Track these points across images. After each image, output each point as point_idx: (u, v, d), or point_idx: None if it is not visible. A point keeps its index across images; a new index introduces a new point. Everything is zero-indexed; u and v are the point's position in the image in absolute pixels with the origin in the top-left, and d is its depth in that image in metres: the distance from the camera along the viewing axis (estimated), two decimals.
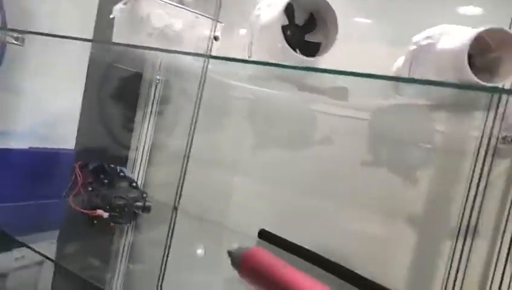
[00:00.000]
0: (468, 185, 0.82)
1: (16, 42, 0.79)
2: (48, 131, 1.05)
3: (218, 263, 1.10)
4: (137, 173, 1.24)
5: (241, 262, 0.68)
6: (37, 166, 1.01)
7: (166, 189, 1.26)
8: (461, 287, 0.81)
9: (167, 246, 0.60)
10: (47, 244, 1.04)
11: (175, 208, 0.61)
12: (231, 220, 1.11)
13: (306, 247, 0.85)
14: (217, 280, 1.06)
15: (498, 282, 0.76)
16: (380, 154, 0.95)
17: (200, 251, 1.08)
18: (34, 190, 0.98)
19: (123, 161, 1.25)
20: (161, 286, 0.67)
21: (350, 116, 0.97)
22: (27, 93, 1.01)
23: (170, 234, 0.61)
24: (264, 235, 0.93)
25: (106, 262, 1.12)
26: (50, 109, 1.06)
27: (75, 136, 1.13)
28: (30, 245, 0.98)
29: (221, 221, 1.12)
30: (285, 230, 0.89)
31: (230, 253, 0.71)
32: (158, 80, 1.21)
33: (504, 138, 0.77)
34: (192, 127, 0.65)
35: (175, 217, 0.62)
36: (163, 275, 0.65)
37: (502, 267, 0.76)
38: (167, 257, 0.61)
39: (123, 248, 1.15)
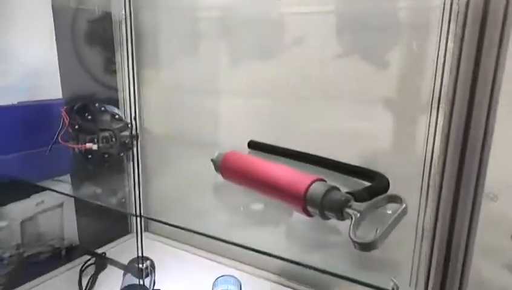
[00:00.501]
0: (437, 53, 0.82)
1: None
2: (31, 84, 1.10)
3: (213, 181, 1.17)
4: (129, 111, 1.28)
5: (221, 164, 0.74)
6: (30, 119, 1.07)
7: (162, 122, 1.32)
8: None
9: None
10: (61, 186, 1.14)
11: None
12: (223, 139, 1.16)
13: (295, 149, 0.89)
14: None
15: None
16: (350, 44, 0.94)
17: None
18: (33, 140, 1.04)
19: (114, 103, 1.30)
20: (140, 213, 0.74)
21: (316, 12, 0.96)
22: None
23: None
24: (253, 145, 0.97)
25: (118, 187, 1.21)
26: (28, 63, 1.09)
27: (60, 85, 1.17)
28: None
29: (213, 141, 1.17)
30: (276, 138, 0.94)
31: (212, 160, 0.77)
32: (125, 15, 1.20)
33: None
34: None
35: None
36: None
37: None
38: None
39: (132, 171, 1.23)
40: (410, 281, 0.51)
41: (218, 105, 1.17)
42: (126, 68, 1.26)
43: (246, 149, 1.03)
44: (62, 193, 1.02)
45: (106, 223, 1.31)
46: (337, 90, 0.96)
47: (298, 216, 0.63)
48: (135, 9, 1.26)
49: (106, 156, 0.91)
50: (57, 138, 0.91)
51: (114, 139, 0.88)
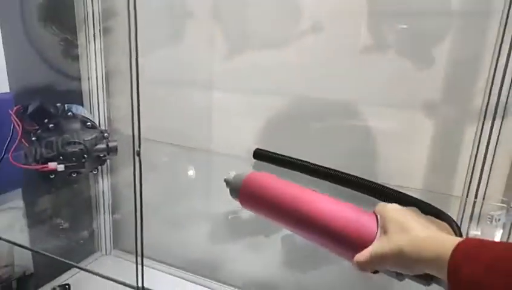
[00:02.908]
0: (497, 52, 0.67)
1: None
2: None
3: (210, 193, 0.99)
4: (96, 107, 1.04)
5: (240, 188, 0.56)
6: None
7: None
8: (489, 174, 0.71)
9: (138, 195, 0.45)
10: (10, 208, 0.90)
11: (137, 153, 0.45)
12: (216, 143, 0.97)
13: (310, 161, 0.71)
14: (212, 212, 0.96)
15: None
16: (384, 34, 0.77)
17: (188, 181, 0.96)
18: None
19: (77, 97, 1.05)
20: (141, 237, 0.54)
21: None
22: None
23: (138, 184, 0.45)
24: (259, 155, 0.79)
25: (85, 216, 0.99)
26: None
27: (7, 76, 0.91)
28: None
29: (205, 146, 0.97)
30: (282, 145, 0.75)
31: (227, 181, 0.59)
32: None
33: None
34: (134, 43, 0.46)
35: (140, 164, 0.46)
36: (141, 225, 0.51)
37: None
38: (141, 207, 0.47)
39: (101, 195, 1.02)
40: None
41: (210, 103, 0.96)
42: (93, 53, 1.03)
43: (246, 157, 0.84)
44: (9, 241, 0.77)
45: (69, 244, 1.08)
46: (365, 90, 0.79)
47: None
48: None
49: (75, 175, 0.69)
50: (5, 152, 0.67)
51: (85, 156, 0.66)
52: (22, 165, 0.65)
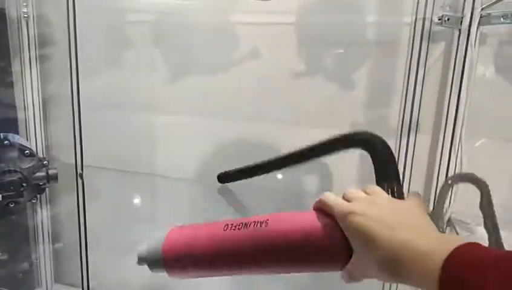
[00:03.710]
0: (407, 78, 0.77)
1: None
2: None
3: (156, 217, 0.99)
4: (33, 135, 1.02)
5: (163, 256, 0.45)
6: None
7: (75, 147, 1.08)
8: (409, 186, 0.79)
9: (82, 222, 0.46)
10: None
11: (80, 176, 0.46)
12: (160, 167, 0.98)
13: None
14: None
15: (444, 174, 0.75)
16: (313, 60, 0.85)
17: (132, 207, 0.96)
18: None
19: (13, 125, 1.02)
20: (86, 264, 0.54)
21: (273, 23, 0.84)
22: None
23: (82, 207, 0.47)
24: (223, 177, 0.81)
25: (23, 248, 0.95)
26: None
27: None
28: None
29: (149, 170, 0.98)
30: (225, 168, 0.79)
31: (142, 258, 0.46)
32: (26, 14, 0.94)
33: (440, 18, 0.71)
34: (74, 66, 0.48)
35: (83, 185, 0.47)
36: (86, 252, 0.51)
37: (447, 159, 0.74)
38: (85, 232, 0.47)
39: (41, 226, 0.98)
40: None
41: (153, 127, 0.98)
42: (29, 80, 1.01)
43: (190, 179, 0.87)
44: None
45: (7, 279, 1.02)
46: (296, 113, 0.86)
47: None
48: (38, 6, 1.00)
49: (12, 205, 0.67)
50: None
51: (24, 184, 0.65)
52: None
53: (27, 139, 1.02)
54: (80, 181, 0.46)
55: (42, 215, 0.94)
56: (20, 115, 1.03)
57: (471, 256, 0.28)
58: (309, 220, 0.39)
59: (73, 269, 1.10)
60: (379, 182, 0.43)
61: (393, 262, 0.32)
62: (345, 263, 0.37)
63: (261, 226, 0.41)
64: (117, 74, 0.97)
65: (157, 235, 0.46)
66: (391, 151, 0.46)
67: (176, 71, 0.94)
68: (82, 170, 0.46)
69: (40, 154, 0.97)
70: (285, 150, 0.86)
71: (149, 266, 0.46)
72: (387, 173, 0.43)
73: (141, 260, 0.46)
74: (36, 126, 1.02)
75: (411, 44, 0.76)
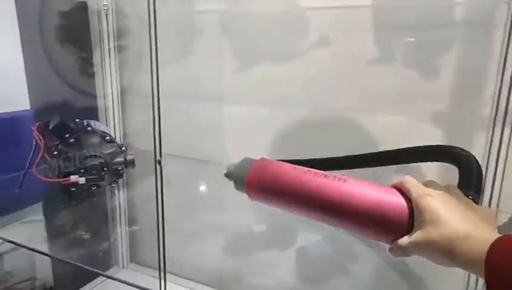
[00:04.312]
0: (503, 61, 0.68)
1: None
2: None
3: (225, 206, 1.00)
4: (112, 123, 1.08)
5: (247, 178, 0.50)
6: None
7: (150, 137, 1.12)
8: (501, 187, 0.71)
9: (160, 207, 0.47)
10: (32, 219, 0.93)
11: (158, 162, 0.47)
12: (228, 156, 0.98)
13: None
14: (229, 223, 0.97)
15: None
16: (391, 46, 0.79)
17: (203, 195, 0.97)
18: None
19: (93, 113, 1.08)
20: (163, 246, 0.55)
21: (346, 6, 0.79)
22: None
23: (160, 191, 0.47)
24: None
25: (103, 229, 1.01)
26: None
27: (27, 93, 0.95)
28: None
29: (218, 159, 0.99)
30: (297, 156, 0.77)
31: (229, 174, 0.53)
32: (106, 7, 0.99)
33: None
34: (154, 57, 0.48)
35: (161, 171, 0.48)
36: (163, 235, 0.53)
37: None
38: (163, 216, 0.48)
39: (118, 208, 1.04)
40: None
41: (221, 115, 0.99)
42: (108, 70, 1.07)
43: None
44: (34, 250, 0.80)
45: (87, 257, 1.10)
46: (373, 102, 0.81)
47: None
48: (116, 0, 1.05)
49: (94, 187, 0.71)
50: (29, 167, 0.70)
51: (105, 169, 0.69)
52: (46, 179, 0.67)
53: (106, 126, 1.08)
54: (158, 167, 0.47)
55: (120, 199, 1.00)
56: (100, 103, 1.09)
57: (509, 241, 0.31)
58: (384, 191, 0.43)
59: (147, 250, 1.16)
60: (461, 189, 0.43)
61: (450, 244, 0.35)
62: (399, 237, 0.40)
63: (339, 180, 0.45)
64: (187, 63, 0.99)
65: (247, 158, 0.52)
66: (481, 170, 0.46)
67: (244, 60, 0.93)
68: (161, 156, 0.47)
69: (118, 141, 1.03)
70: (359, 143, 0.82)
71: (234, 182, 0.52)
72: (471, 186, 0.44)
73: (228, 175, 0.53)
74: (115, 114, 1.08)
75: (509, 24, 0.67)
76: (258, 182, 0.49)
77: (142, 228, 1.11)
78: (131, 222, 1.09)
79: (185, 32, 1.00)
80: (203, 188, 1.00)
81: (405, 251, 0.40)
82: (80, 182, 0.67)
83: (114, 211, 1.03)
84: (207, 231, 0.97)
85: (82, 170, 0.67)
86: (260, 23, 0.88)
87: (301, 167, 0.49)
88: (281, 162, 0.52)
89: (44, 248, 0.98)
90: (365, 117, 0.80)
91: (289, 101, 0.88)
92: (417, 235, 0.38)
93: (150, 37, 0.46)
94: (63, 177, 0.68)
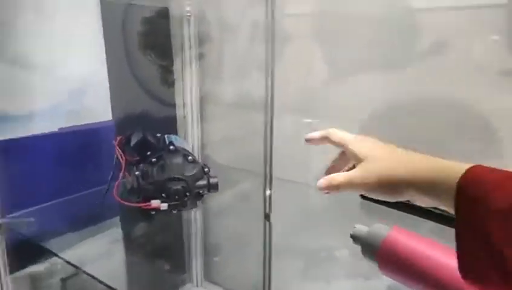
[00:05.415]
0: None
1: None
2: (77, 105, 0.85)
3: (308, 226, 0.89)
4: (190, 133, 1.03)
5: (380, 249, 0.46)
6: (73, 150, 0.83)
7: (229, 148, 1.05)
8: None
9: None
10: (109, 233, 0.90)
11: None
12: (314, 178, 0.87)
13: None
14: None
15: None
16: None
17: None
18: (75, 180, 0.80)
19: (172, 123, 1.04)
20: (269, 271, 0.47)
21: (465, 6, 0.65)
22: (36, 63, 0.79)
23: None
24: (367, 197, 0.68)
25: (178, 246, 0.97)
26: (72, 77, 0.84)
27: (110, 103, 0.92)
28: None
29: (303, 179, 0.89)
30: None
31: (357, 237, 0.48)
32: (189, 12, 0.94)
33: None
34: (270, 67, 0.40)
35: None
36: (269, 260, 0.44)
37: None
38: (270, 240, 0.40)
39: (193, 225, 0.99)
40: None
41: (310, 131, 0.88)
42: (189, 79, 1.02)
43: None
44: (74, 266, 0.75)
45: (162, 273, 1.06)
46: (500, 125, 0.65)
47: None
48: (199, 4, 0.99)
49: (175, 211, 0.65)
50: (109, 187, 0.66)
51: (187, 194, 0.62)
52: (126, 202, 0.63)
53: (184, 138, 1.03)
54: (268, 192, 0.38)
55: (196, 216, 0.95)
56: (179, 113, 1.05)
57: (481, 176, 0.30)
58: None
59: (221, 269, 1.11)
60: None
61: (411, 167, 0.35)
62: None
63: None
64: (276, 72, 0.90)
65: (380, 225, 0.47)
66: None
67: (340, 70, 0.82)
68: (271, 188, 0.39)
69: (196, 155, 0.98)
70: None
71: (362, 248, 0.47)
72: None
73: (356, 239, 0.47)
74: (194, 124, 1.03)
75: None
76: (393, 259, 0.45)
77: (216, 244, 1.05)
78: (206, 238, 1.04)
79: (274, 38, 0.91)
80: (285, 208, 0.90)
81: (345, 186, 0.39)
82: (162, 209, 0.61)
83: (189, 229, 0.98)
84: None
85: (163, 194, 0.61)
86: (360, 27, 0.77)
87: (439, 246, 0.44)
88: (415, 234, 0.47)
89: (121, 261, 0.96)
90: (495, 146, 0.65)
91: (394, 117, 0.75)
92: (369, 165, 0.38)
93: (266, 45, 0.38)
94: (144, 199, 0.62)
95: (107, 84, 0.90)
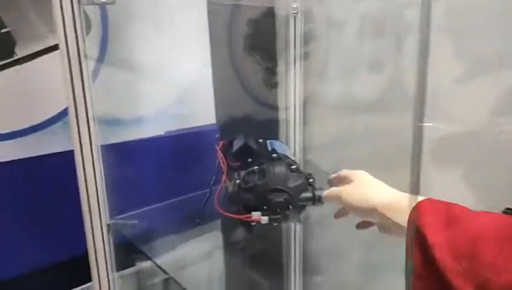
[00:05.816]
0: None
1: (105, 0, 0.58)
2: (182, 108, 0.86)
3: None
4: (292, 138, 0.97)
5: None
6: (176, 153, 0.84)
7: (333, 153, 0.98)
8: None
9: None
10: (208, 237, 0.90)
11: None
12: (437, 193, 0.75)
13: None
14: None
15: None
16: None
17: None
18: (178, 184, 0.81)
19: (274, 127, 1.00)
20: None
21: None
22: (146, 67, 0.82)
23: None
24: None
25: (277, 254, 0.93)
26: (179, 80, 0.85)
27: (214, 106, 0.92)
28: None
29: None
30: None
31: None
32: (296, 10, 0.88)
33: None
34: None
35: None
36: None
37: None
38: None
39: (292, 235, 0.93)
40: None
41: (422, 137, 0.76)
42: (292, 80, 0.97)
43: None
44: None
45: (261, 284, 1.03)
46: None
47: None
48: (305, 1, 0.93)
49: (275, 224, 0.60)
50: (211, 193, 0.64)
51: (290, 207, 0.56)
52: (226, 213, 0.60)
53: (285, 142, 0.98)
54: None
55: (295, 228, 0.90)
56: (281, 116, 1.00)
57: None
58: None
59: (318, 279, 1.04)
60: None
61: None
62: None
63: None
64: (382, 71, 0.80)
65: None
66: None
67: (469, 67, 0.69)
68: None
69: (298, 160, 0.92)
70: None
71: None
72: None
73: None
74: (296, 128, 0.98)
75: None
76: None
77: (315, 253, 0.98)
78: (305, 247, 0.98)
79: (384, 32, 0.81)
80: None
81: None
82: (262, 222, 0.56)
83: (289, 239, 0.93)
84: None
85: (264, 206, 0.57)
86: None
87: None
88: None
89: (219, 266, 0.95)
90: None
91: None
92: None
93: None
94: (244, 208, 0.59)
95: (211, 87, 0.90)
